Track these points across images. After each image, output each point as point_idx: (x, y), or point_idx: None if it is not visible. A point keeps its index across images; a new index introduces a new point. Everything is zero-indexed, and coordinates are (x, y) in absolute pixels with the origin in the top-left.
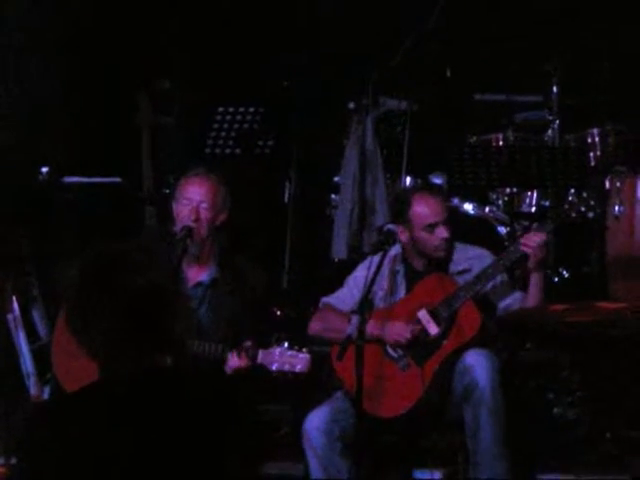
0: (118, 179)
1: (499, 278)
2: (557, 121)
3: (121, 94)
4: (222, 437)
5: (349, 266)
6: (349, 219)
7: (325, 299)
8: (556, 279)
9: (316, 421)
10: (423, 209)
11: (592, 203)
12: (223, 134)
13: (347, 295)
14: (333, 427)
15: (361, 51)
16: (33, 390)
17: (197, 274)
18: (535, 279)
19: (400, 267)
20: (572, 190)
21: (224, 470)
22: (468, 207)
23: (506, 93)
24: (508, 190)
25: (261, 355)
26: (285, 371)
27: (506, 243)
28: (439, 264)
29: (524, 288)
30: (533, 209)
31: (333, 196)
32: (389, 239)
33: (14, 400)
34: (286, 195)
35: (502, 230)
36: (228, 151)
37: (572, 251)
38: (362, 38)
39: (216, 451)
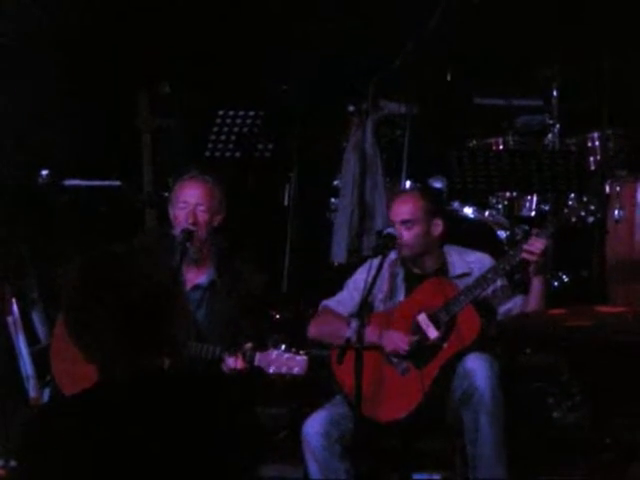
0: (118, 182)
1: (499, 282)
2: (557, 125)
3: (121, 97)
4: (220, 439)
5: (349, 270)
6: (349, 223)
7: (325, 302)
8: (556, 283)
9: (315, 425)
10: (391, 208)
11: (592, 207)
12: (223, 137)
13: (347, 298)
14: (332, 431)
15: (361, 54)
16: (32, 393)
17: (195, 276)
18: (536, 284)
19: (399, 270)
20: (572, 194)
21: (222, 473)
22: (468, 211)
23: (506, 97)
24: (508, 194)
25: (258, 357)
26: (282, 373)
27: (506, 247)
28: (438, 268)
29: (525, 292)
30: (533, 213)
31: (333, 200)
32: (389, 243)
33: (14, 403)
34: (286, 198)
35: (502, 234)
36: (228, 154)
37: (572, 255)
38: (362, 41)
39: (214, 454)
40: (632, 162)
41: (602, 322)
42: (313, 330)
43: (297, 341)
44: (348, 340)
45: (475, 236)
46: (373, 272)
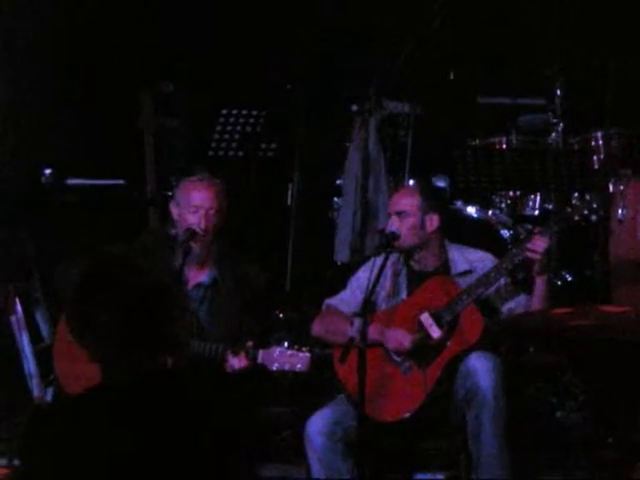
0: (121, 181)
1: (502, 281)
2: (561, 124)
3: (124, 96)
4: (223, 438)
5: (352, 269)
6: (352, 222)
7: (328, 301)
8: (559, 282)
9: (318, 424)
10: (390, 200)
11: (595, 206)
12: (226, 137)
13: (350, 297)
14: (335, 430)
15: (364, 54)
16: (36, 391)
17: (197, 275)
18: (539, 283)
19: (402, 268)
20: (575, 193)
21: (225, 471)
22: (471, 210)
23: (509, 96)
24: (511, 193)
25: (261, 355)
26: (285, 371)
27: (509, 246)
28: (440, 265)
29: (528, 292)
30: (536, 212)
31: (336, 199)
32: (391, 242)
33: (17, 401)
34: (289, 197)
35: (505, 233)
36: (231, 153)
37: (575, 254)
38: (365, 40)
39: (217, 452)
40: (636, 161)
41: (606, 321)
42: (317, 329)
43: (300, 340)
44: (351, 339)
45: (478, 235)
46: (376, 270)
